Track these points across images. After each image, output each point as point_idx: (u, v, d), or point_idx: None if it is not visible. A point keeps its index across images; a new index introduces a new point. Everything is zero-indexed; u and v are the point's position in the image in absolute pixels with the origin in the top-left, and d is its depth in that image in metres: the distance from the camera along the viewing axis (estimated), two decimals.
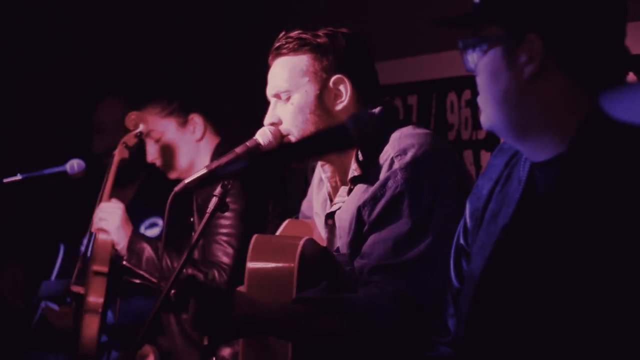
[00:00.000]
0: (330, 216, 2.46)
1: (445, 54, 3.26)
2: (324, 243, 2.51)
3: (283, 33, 2.45)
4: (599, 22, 1.63)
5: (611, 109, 1.41)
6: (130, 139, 3.14)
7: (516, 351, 1.65)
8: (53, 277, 3.63)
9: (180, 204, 3.25)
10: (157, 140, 3.25)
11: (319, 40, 2.41)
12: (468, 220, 1.88)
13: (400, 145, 2.29)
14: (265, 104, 2.48)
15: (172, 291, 2.60)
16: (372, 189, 2.28)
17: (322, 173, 2.52)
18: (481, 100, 1.72)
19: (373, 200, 2.27)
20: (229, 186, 2.29)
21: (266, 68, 2.48)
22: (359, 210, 2.30)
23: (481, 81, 1.70)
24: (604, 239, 1.53)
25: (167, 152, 3.25)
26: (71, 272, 3.29)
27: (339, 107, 2.40)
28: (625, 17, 1.66)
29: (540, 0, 1.63)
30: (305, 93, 2.39)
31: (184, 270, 3.03)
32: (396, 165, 2.26)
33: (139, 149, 3.53)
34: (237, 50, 4.50)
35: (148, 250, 3.01)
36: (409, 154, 2.27)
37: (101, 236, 3.03)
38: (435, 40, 3.21)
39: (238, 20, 4.57)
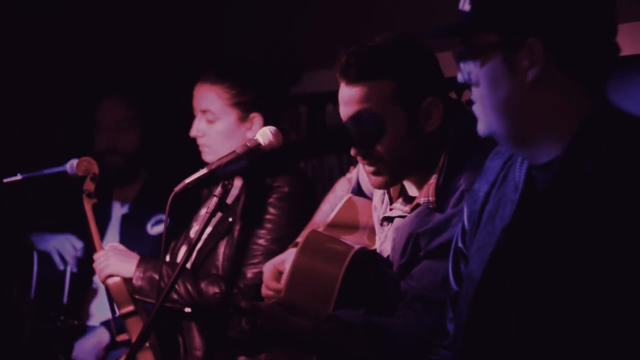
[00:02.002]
0: (386, 219, 2.43)
1: (445, 54, 3.24)
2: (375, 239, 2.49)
3: (352, 51, 2.29)
4: (595, 20, 1.64)
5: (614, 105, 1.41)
6: (89, 186, 3.12)
7: (516, 353, 1.65)
8: (33, 287, 3.64)
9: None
10: (210, 122, 3.17)
11: (393, 57, 2.28)
12: (466, 223, 1.88)
13: (473, 177, 2.17)
14: None
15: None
16: (435, 219, 2.23)
17: None
18: (479, 110, 1.71)
19: (434, 232, 2.23)
20: (230, 186, 2.29)
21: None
22: (417, 237, 2.25)
23: (479, 91, 1.69)
24: (602, 239, 1.53)
25: (214, 135, 3.16)
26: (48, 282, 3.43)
27: (431, 128, 2.29)
28: (614, 12, 1.66)
29: (537, 4, 1.63)
30: (397, 122, 2.27)
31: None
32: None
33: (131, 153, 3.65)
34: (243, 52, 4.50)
35: (154, 277, 3.03)
36: None
37: (110, 281, 3.08)
38: (435, 41, 3.20)
39: (241, 22, 4.57)
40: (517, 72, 1.64)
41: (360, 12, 3.78)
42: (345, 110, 2.32)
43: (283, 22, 4.21)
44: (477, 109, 1.71)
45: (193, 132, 3.20)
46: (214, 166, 2.37)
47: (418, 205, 2.29)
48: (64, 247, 3.64)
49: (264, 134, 2.42)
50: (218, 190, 2.29)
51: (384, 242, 2.42)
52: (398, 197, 2.43)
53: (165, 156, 3.87)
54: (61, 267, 3.64)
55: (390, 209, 2.42)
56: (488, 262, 1.72)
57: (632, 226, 1.51)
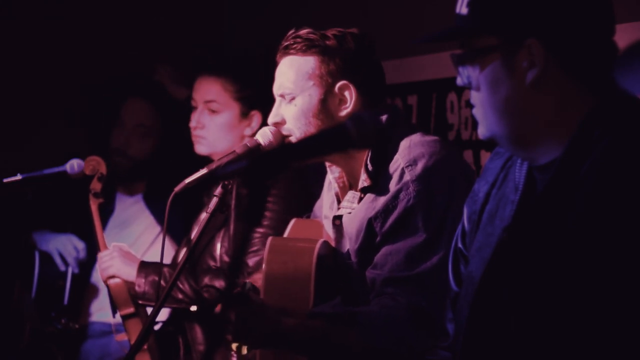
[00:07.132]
0: (338, 217, 2.45)
1: (445, 54, 3.25)
2: (332, 243, 2.51)
3: (292, 31, 2.43)
4: (593, 19, 1.63)
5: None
6: (96, 186, 3.12)
7: (516, 354, 1.64)
8: (34, 287, 3.63)
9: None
10: (212, 112, 3.16)
11: (327, 42, 2.39)
12: (466, 223, 1.88)
13: (410, 154, 2.28)
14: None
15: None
16: (383, 200, 2.27)
17: (329, 174, 2.52)
18: (479, 113, 1.70)
19: (385, 212, 2.26)
20: (230, 186, 2.29)
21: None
22: (370, 221, 2.29)
23: (479, 94, 1.68)
24: (601, 241, 1.53)
25: (214, 127, 3.17)
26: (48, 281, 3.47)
27: (343, 113, 2.38)
28: (612, 11, 1.66)
29: (536, 4, 1.62)
30: (309, 97, 2.38)
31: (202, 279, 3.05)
32: (407, 177, 2.25)
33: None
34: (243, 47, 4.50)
35: (156, 280, 3.03)
36: (420, 165, 2.26)
37: (111, 282, 3.09)
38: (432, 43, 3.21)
39: (244, 18, 4.57)
40: (516, 73, 1.63)
41: (360, 12, 3.78)
42: (276, 86, 2.44)
43: (283, 22, 4.21)
44: (477, 112, 1.70)
45: (193, 123, 3.19)
46: (214, 166, 2.38)
47: (363, 191, 2.34)
48: (65, 247, 3.63)
49: (264, 134, 2.43)
50: (218, 190, 2.30)
51: (340, 240, 2.45)
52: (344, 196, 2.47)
53: (167, 170, 3.83)
54: (62, 268, 3.63)
55: (340, 208, 2.45)
56: (488, 263, 1.72)
57: (630, 227, 1.50)
